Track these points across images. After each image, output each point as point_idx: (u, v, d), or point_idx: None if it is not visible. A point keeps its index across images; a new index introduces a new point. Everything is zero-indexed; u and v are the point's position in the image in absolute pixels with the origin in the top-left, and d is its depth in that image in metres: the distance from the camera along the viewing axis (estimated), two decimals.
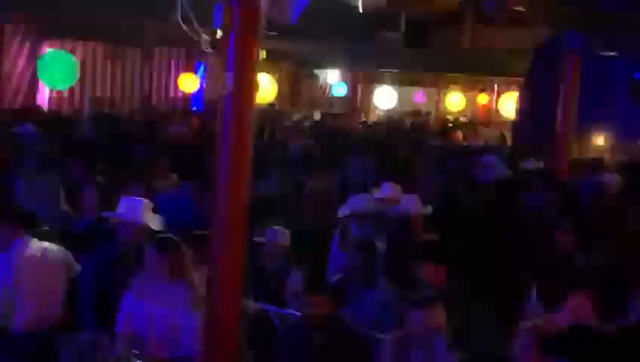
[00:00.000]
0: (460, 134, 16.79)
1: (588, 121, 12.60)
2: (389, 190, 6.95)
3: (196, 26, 3.70)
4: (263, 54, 4.02)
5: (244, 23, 3.65)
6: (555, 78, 8.85)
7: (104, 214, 5.43)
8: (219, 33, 3.73)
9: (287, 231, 5.83)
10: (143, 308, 4.59)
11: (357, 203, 6.58)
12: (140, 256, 4.91)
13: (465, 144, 15.07)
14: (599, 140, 13.54)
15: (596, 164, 10.77)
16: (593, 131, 13.58)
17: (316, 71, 19.28)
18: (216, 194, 3.84)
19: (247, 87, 3.77)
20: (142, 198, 5.42)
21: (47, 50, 13.02)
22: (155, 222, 5.20)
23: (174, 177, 7.96)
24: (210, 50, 3.79)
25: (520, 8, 6.90)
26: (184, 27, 3.67)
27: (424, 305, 4.32)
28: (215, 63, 13.65)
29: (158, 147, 9.38)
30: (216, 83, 13.07)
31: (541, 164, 10.18)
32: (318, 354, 4.49)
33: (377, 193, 6.99)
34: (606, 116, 13.20)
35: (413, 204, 6.49)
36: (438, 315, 4.28)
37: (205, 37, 3.75)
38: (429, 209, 6.59)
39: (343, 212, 6.55)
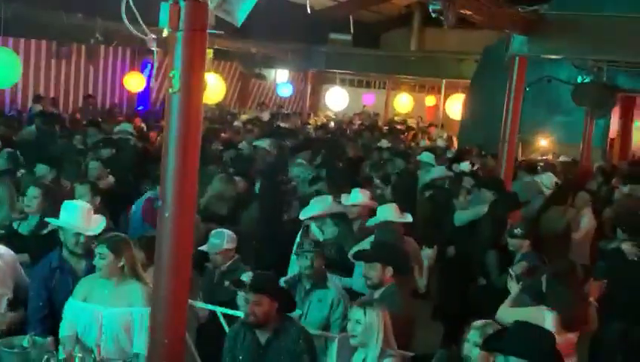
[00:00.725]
0: (408, 135, 17.00)
1: (532, 123, 12.92)
2: (360, 197, 6.99)
3: (142, 24, 3.63)
4: (209, 54, 3.97)
5: (191, 22, 3.61)
6: (501, 81, 8.99)
7: (46, 219, 5.32)
8: (165, 32, 3.68)
9: (233, 234, 5.79)
10: (90, 311, 4.53)
11: (318, 206, 6.58)
12: (85, 260, 4.86)
13: (412, 145, 15.26)
14: (543, 142, 13.88)
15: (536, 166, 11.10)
16: (537, 133, 13.93)
17: (266, 71, 19.23)
18: (163, 194, 3.79)
19: (194, 86, 3.72)
20: (83, 201, 5.35)
21: None
22: (97, 224, 5.10)
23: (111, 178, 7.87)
24: (156, 49, 3.74)
25: (466, 12, 6.96)
26: (129, 26, 3.61)
27: (364, 305, 4.38)
28: (162, 62, 13.52)
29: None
30: (163, 82, 12.98)
31: (476, 166, 10.46)
32: (264, 354, 4.49)
33: (347, 199, 7.01)
34: (550, 119, 13.55)
35: (391, 213, 6.53)
36: (379, 316, 4.32)
37: (151, 36, 3.69)
38: (409, 217, 6.67)
39: (304, 215, 6.56)
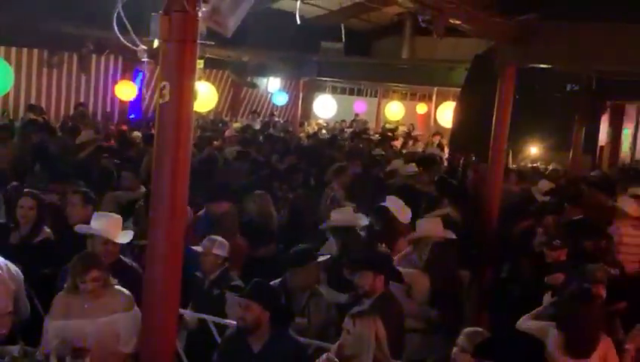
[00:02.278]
0: (398, 142, 17.05)
1: (522, 131, 12.97)
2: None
3: (132, 35, 3.67)
4: (200, 63, 4.00)
5: (181, 33, 3.65)
6: (490, 89, 9.04)
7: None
8: (156, 43, 3.71)
9: (225, 241, 5.81)
10: (75, 327, 4.53)
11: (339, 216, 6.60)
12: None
13: (404, 152, 15.31)
14: (533, 150, 13.95)
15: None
16: (527, 141, 14.00)
17: (257, 80, 19.28)
18: (155, 202, 3.82)
19: (185, 96, 3.76)
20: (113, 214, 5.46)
21: None
22: (125, 236, 5.25)
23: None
24: (147, 59, 3.78)
25: (455, 21, 7.02)
26: (120, 37, 3.64)
27: (355, 315, 4.37)
28: (153, 72, 13.54)
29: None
30: (155, 91, 12.95)
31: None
32: None
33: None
34: (540, 126, 13.61)
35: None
36: (369, 326, 4.32)
37: (142, 46, 3.73)
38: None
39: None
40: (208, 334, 5.30)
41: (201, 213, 7.17)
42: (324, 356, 4.33)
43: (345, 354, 4.34)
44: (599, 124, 14.67)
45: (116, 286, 4.67)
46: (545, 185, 9.44)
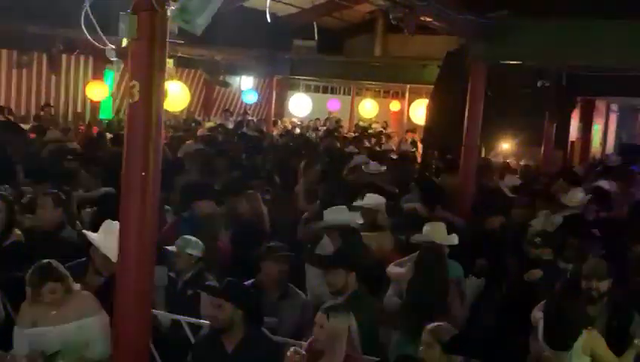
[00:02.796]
0: (372, 140, 17.09)
1: (494, 127, 13.07)
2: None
3: (101, 34, 3.64)
4: (170, 62, 3.98)
5: (150, 32, 3.62)
6: (462, 86, 9.12)
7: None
8: (124, 42, 3.69)
9: (199, 241, 5.78)
10: (45, 334, 4.49)
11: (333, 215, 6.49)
12: None
13: (378, 149, 15.34)
14: (505, 146, 14.06)
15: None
16: (499, 137, 14.11)
17: (230, 78, 19.20)
18: (125, 202, 3.80)
19: (154, 95, 3.74)
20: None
21: None
22: None
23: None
24: (115, 58, 3.75)
25: (426, 19, 7.06)
26: (88, 37, 3.61)
27: (329, 311, 4.38)
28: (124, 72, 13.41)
29: None
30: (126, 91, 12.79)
31: None
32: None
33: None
34: (511, 122, 13.72)
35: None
36: (343, 321, 4.33)
37: (110, 46, 3.70)
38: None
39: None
40: (183, 335, 5.28)
41: (185, 214, 7.02)
42: (292, 349, 4.33)
43: (316, 349, 4.35)
44: (570, 119, 14.83)
45: (83, 292, 4.61)
46: (511, 180, 9.54)
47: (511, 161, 13.48)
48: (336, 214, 6.47)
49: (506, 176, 10.04)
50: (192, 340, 5.06)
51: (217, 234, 6.71)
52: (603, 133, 18.55)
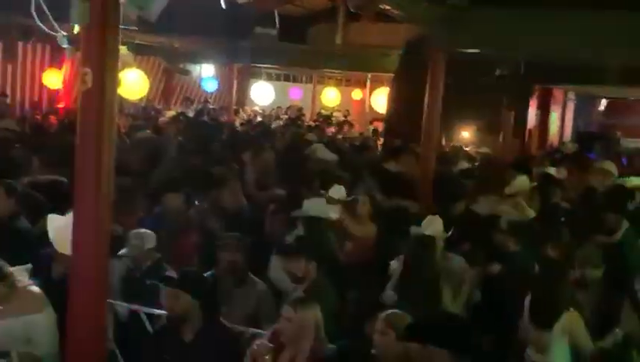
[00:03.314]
0: (333, 128, 17.12)
1: (455, 115, 13.18)
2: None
3: (52, 21, 3.57)
4: (124, 50, 3.92)
5: (103, 18, 3.56)
6: (422, 75, 9.14)
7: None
8: (76, 28, 3.62)
9: (152, 233, 5.74)
10: None
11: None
12: None
13: (340, 137, 15.39)
14: (465, 134, 14.20)
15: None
16: (460, 125, 14.24)
17: (190, 66, 19.02)
18: (79, 191, 3.74)
19: (107, 82, 3.68)
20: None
21: None
22: None
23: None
24: (67, 46, 3.68)
25: (385, 7, 7.07)
26: (39, 23, 3.53)
27: (297, 303, 4.36)
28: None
29: None
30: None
31: None
32: (189, 352, 4.47)
33: None
34: (471, 111, 13.85)
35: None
36: (310, 313, 4.30)
37: (62, 32, 3.63)
38: None
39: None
40: (141, 325, 5.24)
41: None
42: (258, 342, 4.32)
43: (281, 341, 4.32)
44: (528, 107, 15.00)
45: (28, 288, 4.52)
46: (462, 166, 9.69)
47: (470, 149, 13.61)
48: (314, 204, 6.45)
49: (459, 163, 10.16)
50: (150, 330, 5.04)
51: (185, 227, 6.62)
52: (560, 121, 18.80)
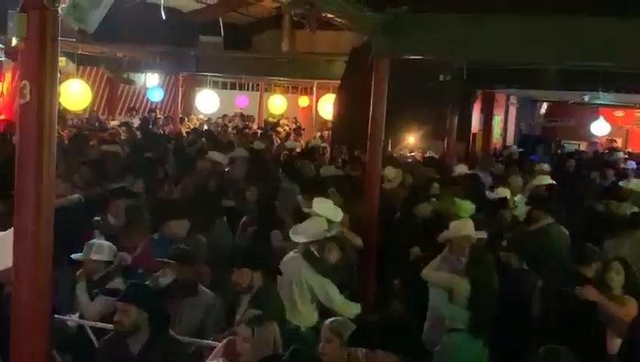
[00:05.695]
0: (281, 135, 17.13)
1: (400, 121, 13.34)
2: None
3: None
4: (63, 61, 3.87)
5: (41, 31, 3.52)
6: (367, 81, 9.21)
7: None
8: (14, 41, 3.56)
9: (109, 244, 5.72)
10: None
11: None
12: None
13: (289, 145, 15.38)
14: (410, 139, 14.38)
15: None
16: (405, 131, 14.42)
17: (135, 75, 18.82)
18: (18, 206, 3.68)
19: (47, 94, 3.63)
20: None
21: None
22: None
23: None
24: (3, 58, 3.62)
25: (327, 15, 7.12)
26: None
27: (254, 323, 4.31)
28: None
29: None
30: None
31: None
32: None
33: None
34: (416, 116, 14.04)
35: None
36: (269, 331, 4.27)
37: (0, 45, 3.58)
38: None
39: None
40: (87, 338, 5.19)
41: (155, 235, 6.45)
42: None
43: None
44: (471, 112, 15.27)
45: None
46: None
47: (416, 153, 13.79)
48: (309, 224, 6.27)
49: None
50: (96, 344, 4.98)
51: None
52: (504, 124, 19.17)
